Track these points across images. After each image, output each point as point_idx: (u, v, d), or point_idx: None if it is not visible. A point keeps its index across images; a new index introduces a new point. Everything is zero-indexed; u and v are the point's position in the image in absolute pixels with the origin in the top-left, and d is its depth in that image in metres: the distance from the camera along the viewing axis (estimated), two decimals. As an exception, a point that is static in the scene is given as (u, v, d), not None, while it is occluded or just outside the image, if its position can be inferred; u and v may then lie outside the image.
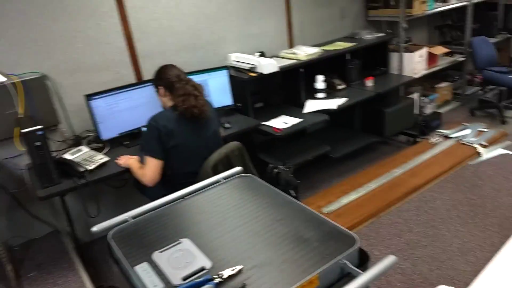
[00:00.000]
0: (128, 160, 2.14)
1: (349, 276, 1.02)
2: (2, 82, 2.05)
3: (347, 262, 1.02)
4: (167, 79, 2.04)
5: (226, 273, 0.99)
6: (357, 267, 1.02)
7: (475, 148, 3.33)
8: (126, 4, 2.52)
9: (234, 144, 2.12)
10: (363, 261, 1.08)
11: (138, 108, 2.51)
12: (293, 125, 2.79)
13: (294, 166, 2.84)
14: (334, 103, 3.01)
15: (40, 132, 1.91)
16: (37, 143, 1.91)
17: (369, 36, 3.53)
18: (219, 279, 0.98)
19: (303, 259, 1.03)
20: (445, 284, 2.03)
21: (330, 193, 2.90)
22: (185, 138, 2.02)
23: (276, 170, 2.61)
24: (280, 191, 1.38)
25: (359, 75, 3.49)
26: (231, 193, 1.39)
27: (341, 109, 2.99)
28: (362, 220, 2.59)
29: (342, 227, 1.14)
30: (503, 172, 3.00)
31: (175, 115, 2.01)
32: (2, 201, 2.34)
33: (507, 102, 4.15)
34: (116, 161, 2.19)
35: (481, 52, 4.04)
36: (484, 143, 3.38)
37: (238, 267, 1.01)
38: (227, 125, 2.63)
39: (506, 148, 3.35)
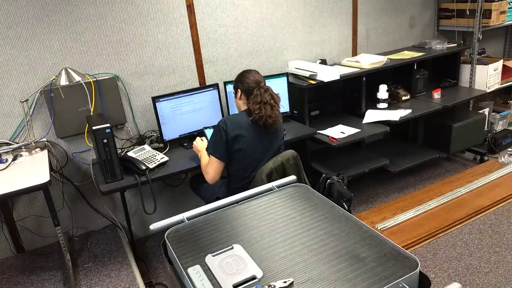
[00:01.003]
0: (199, 152, 2.19)
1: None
2: (78, 81, 2.21)
3: (406, 286, 0.97)
4: (247, 83, 2.06)
5: (278, 285, 0.98)
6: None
7: (553, 171, 3.02)
8: (196, 11, 2.61)
9: (290, 152, 2.10)
10: (424, 285, 1.01)
11: (198, 111, 2.59)
12: (350, 135, 2.72)
13: (349, 177, 2.76)
14: (396, 115, 2.89)
15: (108, 130, 2.03)
16: (105, 140, 2.04)
17: (439, 46, 3.35)
18: (270, 290, 0.97)
19: (358, 278, 0.99)
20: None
21: (386, 209, 2.78)
22: (251, 144, 2.03)
23: (329, 180, 2.55)
24: (335, 204, 1.34)
25: (426, 86, 3.33)
26: (284, 202, 1.38)
27: (403, 121, 2.87)
28: (418, 240, 2.45)
29: (402, 248, 1.08)
30: None
31: (248, 120, 2.03)
32: (67, 193, 2.52)
33: None
34: (194, 143, 2.27)
35: None
36: None
37: (289, 280, 1.00)
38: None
39: None
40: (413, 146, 3.42)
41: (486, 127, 3.56)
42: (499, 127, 3.76)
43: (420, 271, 1.00)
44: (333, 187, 2.55)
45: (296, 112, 2.88)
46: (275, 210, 1.33)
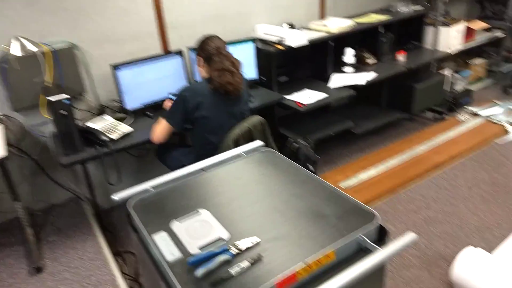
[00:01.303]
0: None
1: (367, 251, 1.02)
2: (33, 51, 2.08)
3: (365, 238, 1.02)
4: (207, 50, 2.02)
5: (244, 244, 1.01)
6: (375, 243, 1.02)
7: (503, 126, 3.20)
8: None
9: (256, 118, 2.11)
10: (382, 237, 1.08)
11: (163, 79, 2.52)
12: (318, 101, 2.74)
13: (315, 141, 2.81)
14: (362, 78, 2.93)
15: (66, 101, 1.94)
16: (63, 112, 1.95)
17: (405, 8, 3.37)
18: (236, 250, 0.99)
19: (321, 234, 1.04)
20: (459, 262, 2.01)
21: (349, 169, 2.88)
22: (213, 112, 2.02)
23: (296, 144, 2.59)
24: (301, 167, 1.37)
25: (391, 49, 3.37)
26: (251, 167, 1.39)
27: (368, 84, 2.91)
28: (379, 196, 2.57)
29: (363, 204, 1.13)
30: (534, 153, 2.88)
31: (209, 87, 2.00)
32: (25, 167, 2.43)
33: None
34: (163, 106, 2.31)
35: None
36: (515, 122, 3.25)
37: (255, 240, 1.03)
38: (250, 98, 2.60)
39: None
40: (377, 108, 3.51)
41: (447, 87, 3.69)
42: (459, 87, 3.90)
43: (378, 224, 1.06)
44: (300, 151, 2.59)
45: (264, 78, 2.86)
46: (242, 175, 1.35)
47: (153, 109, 2.51)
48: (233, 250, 0.99)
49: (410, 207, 2.49)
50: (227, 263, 0.97)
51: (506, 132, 3.17)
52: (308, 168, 2.59)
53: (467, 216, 2.37)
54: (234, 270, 0.94)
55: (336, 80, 2.99)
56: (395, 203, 2.54)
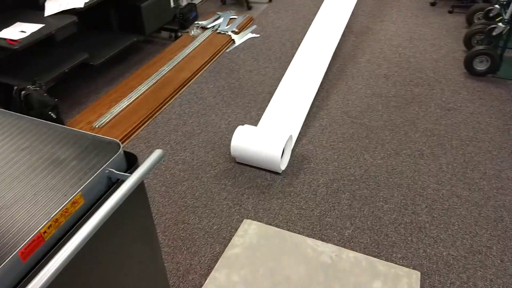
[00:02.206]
0: None
1: (119, 182, 0.97)
2: None
3: (113, 170, 0.96)
4: None
5: (-44, 231, 0.77)
6: (126, 171, 0.97)
7: (229, 35, 3.61)
8: None
9: None
10: (133, 163, 1.04)
11: None
12: (34, 33, 2.30)
13: (48, 83, 2.44)
14: (80, 1, 2.59)
15: None
16: None
17: None
18: None
19: (61, 182, 0.90)
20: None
21: (101, 105, 2.68)
22: None
23: (24, 92, 2.19)
24: (19, 114, 1.13)
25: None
26: None
27: (90, 6, 2.61)
28: (138, 125, 2.54)
29: (103, 136, 1.04)
30: (253, 54, 3.41)
31: None
32: None
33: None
34: None
35: None
36: (235, 29, 3.69)
37: (-27, 219, 0.80)
38: None
39: (253, 32, 3.77)
40: (109, 35, 3.27)
41: (173, 3, 3.76)
42: (184, 2, 4.04)
43: (124, 151, 1.00)
44: (32, 98, 2.21)
45: None
46: None
47: None
48: None
49: (169, 128, 2.57)
50: None
51: (231, 40, 3.58)
52: (48, 116, 2.26)
53: (217, 122, 2.64)
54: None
55: (51, 7, 2.55)
56: (155, 128, 2.57)
